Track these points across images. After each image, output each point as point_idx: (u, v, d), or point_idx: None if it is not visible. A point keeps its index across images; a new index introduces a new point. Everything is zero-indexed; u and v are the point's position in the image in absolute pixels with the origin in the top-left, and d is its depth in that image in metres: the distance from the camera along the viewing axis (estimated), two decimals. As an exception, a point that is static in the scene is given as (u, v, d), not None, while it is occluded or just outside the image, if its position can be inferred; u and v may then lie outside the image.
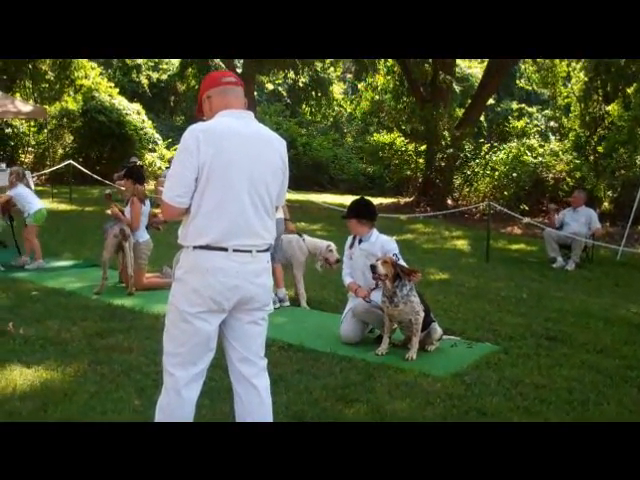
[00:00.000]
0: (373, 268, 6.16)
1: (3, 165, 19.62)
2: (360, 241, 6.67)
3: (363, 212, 6.68)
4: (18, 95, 25.16)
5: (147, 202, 8.76)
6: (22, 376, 5.24)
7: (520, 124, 25.70)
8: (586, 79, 21.09)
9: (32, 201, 9.99)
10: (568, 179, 19.64)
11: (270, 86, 40.91)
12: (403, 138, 23.71)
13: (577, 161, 19.89)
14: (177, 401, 3.39)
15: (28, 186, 10.12)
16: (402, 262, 6.42)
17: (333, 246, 8.07)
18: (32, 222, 9.83)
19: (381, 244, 6.56)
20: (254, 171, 3.37)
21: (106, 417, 4.51)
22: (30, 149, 27.57)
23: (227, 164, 3.30)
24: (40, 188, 21.51)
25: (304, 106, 38.74)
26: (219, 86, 3.53)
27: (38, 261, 9.75)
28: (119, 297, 8.02)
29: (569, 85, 23.40)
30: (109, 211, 8.84)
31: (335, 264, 7.89)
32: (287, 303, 7.96)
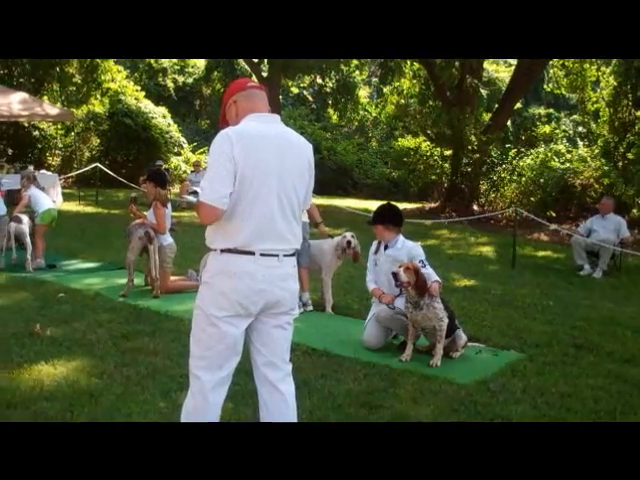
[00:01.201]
0: (395, 275, 6.13)
1: (31, 167, 19.80)
2: (386, 247, 6.65)
3: (390, 218, 6.65)
4: (46, 98, 25.31)
5: (169, 205, 8.79)
6: (49, 377, 5.28)
7: (548, 129, 25.51)
8: (615, 83, 20.89)
9: (42, 201, 10.14)
10: (596, 185, 19.46)
11: (295, 90, 40.97)
12: (428, 142, 23.62)
13: (606, 167, 19.65)
14: (203, 404, 3.40)
15: (39, 187, 10.20)
16: (429, 268, 6.39)
17: (348, 233, 8.08)
18: (39, 222, 9.91)
19: (408, 250, 6.53)
20: (283, 174, 3.38)
21: (131, 419, 4.54)
22: (57, 152, 27.77)
23: (257, 168, 3.30)
24: (67, 191, 21.71)
25: (329, 110, 38.76)
26: (245, 90, 3.55)
27: (37, 260, 9.81)
28: (145, 299, 8.06)
29: (598, 90, 23.19)
30: (133, 207, 8.87)
31: (350, 248, 7.90)
32: (310, 308, 7.95)
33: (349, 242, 7.84)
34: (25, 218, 9.71)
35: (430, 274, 6.36)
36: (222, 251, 3.34)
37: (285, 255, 3.41)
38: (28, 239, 9.57)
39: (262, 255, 3.33)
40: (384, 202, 7.18)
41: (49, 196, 16.74)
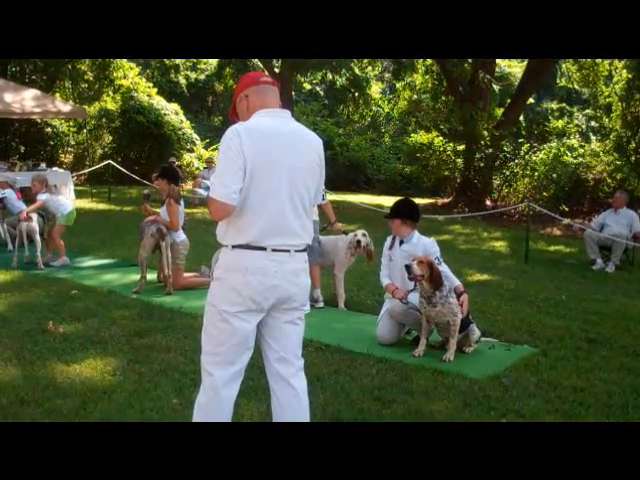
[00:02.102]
0: (408, 268, 6.13)
1: (43, 165, 19.89)
2: (401, 242, 6.63)
3: (407, 213, 6.63)
4: (58, 95, 25.42)
5: (182, 202, 8.81)
6: (62, 374, 5.30)
7: (560, 124, 25.40)
8: (629, 77, 20.77)
9: (64, 203, 10.27)
10: (609, 180, 19.39)
11: (308, 86, 40.97)
12: (441, 138, 23.58)
13: (618, 162, 19.59)
14: (216, 400, 3.40)
15: (51, 192, 10.25)
16: (444, 266, 6.39)
17: (359, 232, 8.07)
18: (63, 222, 9.97)
19: (423, 246, 6.51)
20: (293, 170, 3.37)
21: (145, 415, 4.55)
22: (70, 149, 27.89)
23: (268, 164, 3.30)
24: (79, 188, 21.77)
25: (342, 106, 38.74)
26: (256, 85, 3.53)
27: (62, 258, 9.87)
28: (157, 296, 8.08)
29: (611, 84, 23.07)
30: (147, 206, 8.90)
31: (359, 248, 7.91)
32: (321, 304, 7.94)
33: (359, 241, 7.82)
34: (35, 216, 9.77)
35: (449, 275, 6.35)
36: (233, 247, 3.34)
37: (297, 250, 3.41)
38: (38, 236, 9.63)
39: (274, 250, 3.32)
40: (400, 197, 7.17)
41: (62, 194, 16.85)
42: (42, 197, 9.92)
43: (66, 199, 10.76)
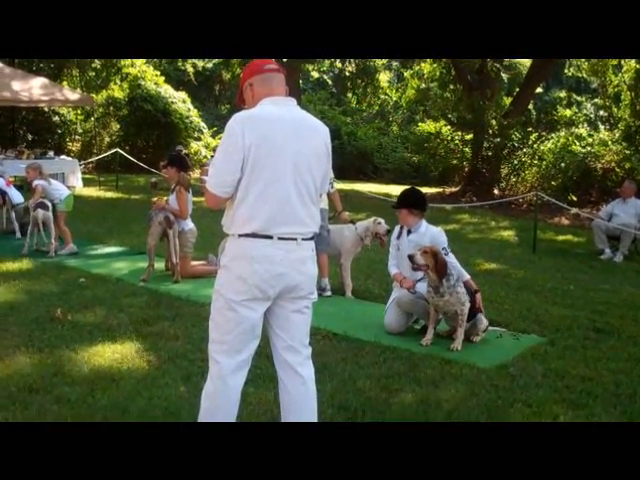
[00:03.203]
0: (411, 258, 6.13)
1: (51, 153, 19.92)
2: (409, 232, 6.61)
3: (414, 202, 6.61)
4: (65, 83, 25.46)
5: (190, 190, 8.81)
6: (70, 362, 5.32)
7: (569, 113, 25.32)
8: (637, 66, 20.67)
9: (60, 188, 10.34)
10: (617, 169, 19.30)
11: (315, 74, 40.86)
12: (449, 127, 23.52)
13: (627, 151, 19.51)
14: (223, 389, 3.40)
15: (45, 179, 10.27)
16: (452, 257, 6.38)
17: (380, 219, 8.04)
18: (63, 208, 10.00)
19: (431, 236, 6.49)
20: (298, 158, 3.35)
21: (152, 403, 4.56)
22: (77, 137, 27.91)
23: (271, 151, 3.28)
24: (87, 176, 21.83)
25: (350, 94, 38.64)
26: (261, 73, 3.50)
27: (69, 245, 9.90)
28: (165, 284, 8.09)
29: (620, 73, 22.97)
30: (155, 199, 8.91)
31: (385, 235, 7.82)
32: (329, 293, 7.93)
33: (388, 230, 7.71)
34: (49, 204, 9.77)
35: (457, 267, 6.35)
36: (240, 235, 3.33)
37: (303, 239, 3.39)
38: (52, 224, 9.65)
39: (280, 239, 3.31)
40: (407, 187, 7.16)
41: (69, 182, 16.91)
42: (39, 182, 9.94)
43: (61, 184, 10.79)
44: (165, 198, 8.81)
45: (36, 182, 9.96)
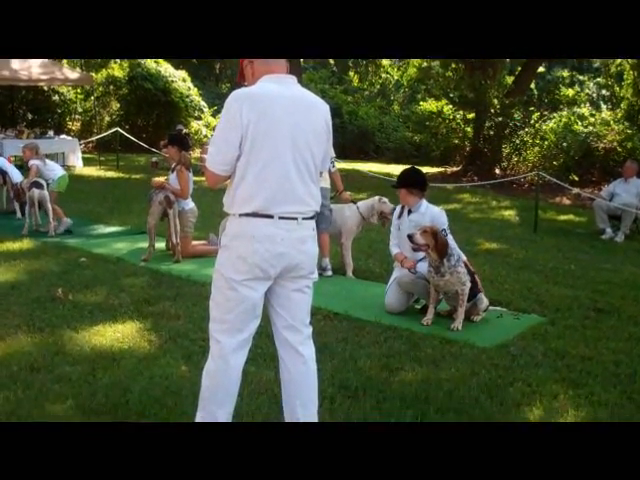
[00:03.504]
0: (410, 238, 6.13)
1: (51, 132, 19.88)
2: (410, 212, 6.61)
3: (413, 182, 6.60)
4: (65, 62, 25.34)
5: (191, 169, 8.79)
6: (71, 341, 5.33)
7: (571, 92, 25.23)
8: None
9: (54, 169, 10.38)
10: (619, 149, 19.23)
11: (317, 53, 40.58)
12: (451, 106, 23.43)
13: (629, 131, 19.44)
14: (224, 368, 3.41)
15: (42, 159, 10.28)
16: (450, 239, 6.38)
17: (384, 198, 8.05)
18: (55, 188, 10.07)
19: (431, 216, 6.48)
20: (298, 136, 3.33)
21: (153, 382, 4.58)
22: (77, 116, 27.83)
23: (270, 129, 3.27)
24: (87, 155, 21.78)
25: (351, 73, 38.45)
26: None
27: (64, 220, 9.94)
28: (166, 264, 8.10)
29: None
30: (156, 179, 8.90)
31: (391, 214, 7.77)
32: (330, 273, 7.93)
33: (394, 209, 7.58)
34: (45, 183, 9.78)
35: (455, 248, 6.35)
36: (240, 215, 3.33)
37: (304, 218, 3.38)
38: (49, 204, 9.65)
39: (281, 218, 3.30)
40: (407, 166, 7.16)
41: (69, 161, 16.90)
42: (34, 162, 9.95)
43: (56, 165, 10.81)
44: (165, 178, 8.80)
45: (32, 162, 9.98)
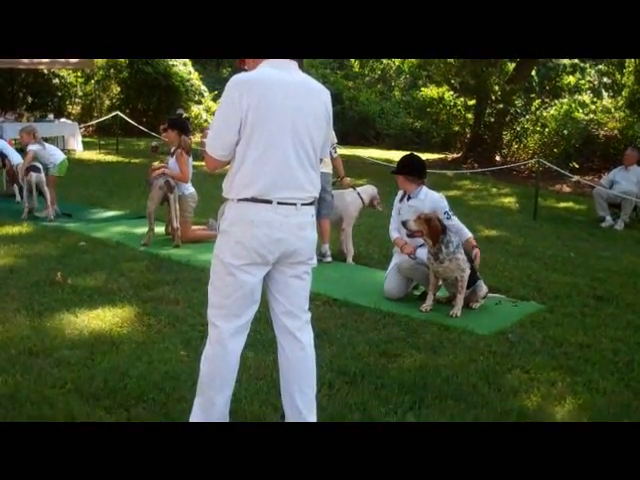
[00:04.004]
0: (404, 224, 6.18)
1: (51, 116, 19.83)
2: (409, 197, 6.61)
3: (411, 169, 6.60)
4: (66, 46, 25.24)
5: (191, 153, 8.77)
6: (70, 325, 5.33)
7: (572, 80, 25.14)
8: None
9: (55, 153, 10.27)
10: (620, 137, 19.21)
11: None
12: (452, 92, 23.38)
13: (630, 119, 19.40)
14: (222, 353, 3.41)
15: (41, 143, 10.20)
16: (455, 219, 6.38)
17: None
18: (55, 173, 10.00)
19: (431, 202, 6.48)
20: (298, 121, 3.32)
21: (152, 367, 4.58)
22: (77, 100, 27.77)
23: (270, 114, 3.25)
24: (87, 139, 21.76)
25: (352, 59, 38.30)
26: None
27: (52, 207, 9.83)
28: (166, 249, 8.09)
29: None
30: (155, 163, 8.88)
31: (380, 203, 8.36)
32: (329, 259, 7.92)
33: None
34: (41, 166, 9.75)
35: (460, 229, 6.36)
36: (239, 200, 3.32)
37: (303, 204, 3.37)
38: (46, 187, 9.63)
39: (280, 204, 3.29)
40: (407, 153, 7.16)
41: (69, 145, 16.83)
42: (32, 147, 9.90)
43: (58, 149, 10.73)
44: (159, 162, 8.78)
45: (30, 147, 9.92)
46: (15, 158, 11.02)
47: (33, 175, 9.56)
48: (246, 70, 3.45)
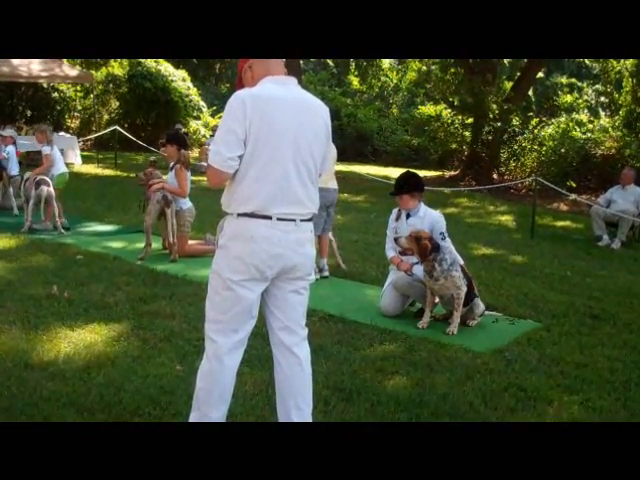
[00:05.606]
0: (396, 240, 6.27)
1: (50, 129, 19.81)
2: (408, 216, 6.60)
3: (415, 186, 6.60)
4: (65, 60, 25.33)
5: (189, 168, 8.78)
6: (66, 339, 5.31)
7: (570, 99, 25.27)
8: None
9: (58, 164, 10.20)
10: (617, 156, 19.27)
11: (316, 55, 40.54)
12: (449, 110, 23.45)
13: (627, 138, 19.48)
14: (218, 368, 3.41)
15: (52, 146, 10.14)
16: (448, 242, 6.39)
17: None
18: (54, 185, 9.86)
19: (430, 221, 6.47)
20: (298, 137, 3.33)
21: (147, 382, 4.56)
22: (76, 114, 27.81)
23: (272, 130, 3.27)
24: (86, 153, 21.79)
25: (351, 76, 38.45)
26: None
27: (47, 223, 9.79)
28: (162, 263, 8.08)
29: (621, 59, 22.87)
30: (154, 181, 8.84)
31: None
32: (326, 273, 7.91)
33: None
34: (49, 180, 9.68)
35: (452, 252, 6.35)
36: (239, 215, 3.32)
37: (302, 220, 3.38)
38: (54, 201, 9.57)
39: (279, 219, 3.30)
40: (404, 170, 7.17)
41: (68, 158, 16.75)
42: (46, 150, 9.86)
43: (62, 160, 10.64)
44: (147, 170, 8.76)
45: (46, 151, 9.84)
46: (14, 169, 10.99)
47: (44, 189, 9.45)
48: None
